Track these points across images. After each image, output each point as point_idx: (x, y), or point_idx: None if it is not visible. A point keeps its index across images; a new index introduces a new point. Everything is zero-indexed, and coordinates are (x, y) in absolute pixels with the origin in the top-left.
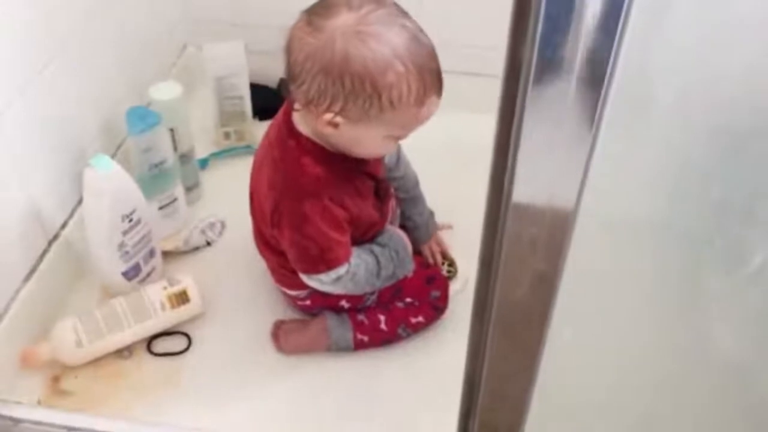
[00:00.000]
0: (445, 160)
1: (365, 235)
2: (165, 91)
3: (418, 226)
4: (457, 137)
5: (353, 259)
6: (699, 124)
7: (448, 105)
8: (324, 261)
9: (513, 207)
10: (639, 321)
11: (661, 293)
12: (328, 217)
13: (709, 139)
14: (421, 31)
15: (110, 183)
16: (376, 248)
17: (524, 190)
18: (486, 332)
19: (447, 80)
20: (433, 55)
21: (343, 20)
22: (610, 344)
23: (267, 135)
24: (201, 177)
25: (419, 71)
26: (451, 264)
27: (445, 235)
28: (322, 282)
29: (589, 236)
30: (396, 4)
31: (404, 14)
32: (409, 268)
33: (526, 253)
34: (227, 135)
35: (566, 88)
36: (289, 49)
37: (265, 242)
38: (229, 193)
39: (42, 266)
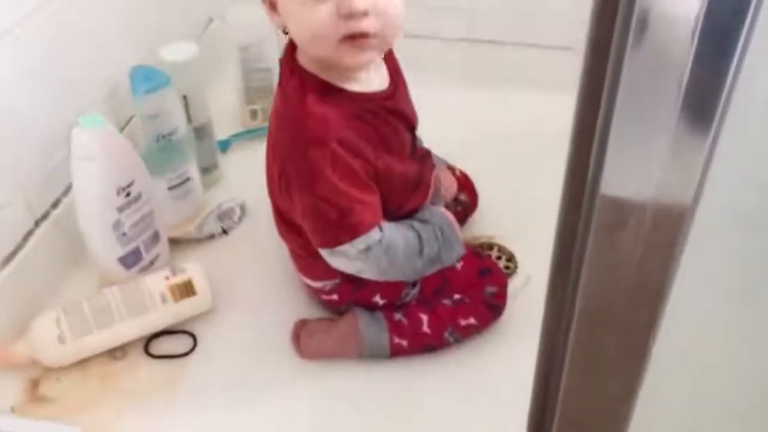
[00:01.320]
0: (506, 144)
1: (401, 207)
2: (178, 52)
3: None
4: (522, 118)
5: (387, 231)
6: None
7: (510, 81)
8: (346, 226)
9: (601, 198)
10: None
11: None
12: (342, 168)
13: None
14: None
15: (101, 146)
16: (416, 223)
17: (616, 180)
18: (560, 353)
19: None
20: None
21: None
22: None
23: (276, 90)
24: (221, 160)
25: None
26: (510, 258)
27: (502, 225)
28: (349, 257)
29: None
30: None
31: None
32: (458, 251)
33: (618, 257)
34: (254, 114)
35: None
36: None
37: (284, 221)
38: (251, 177)
39: (25, 249)
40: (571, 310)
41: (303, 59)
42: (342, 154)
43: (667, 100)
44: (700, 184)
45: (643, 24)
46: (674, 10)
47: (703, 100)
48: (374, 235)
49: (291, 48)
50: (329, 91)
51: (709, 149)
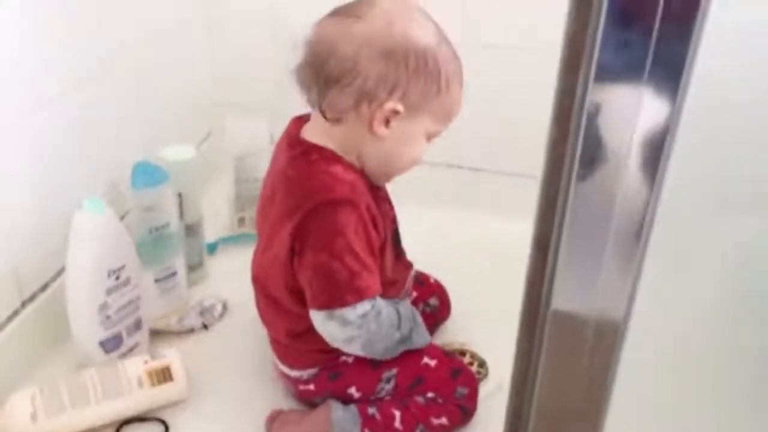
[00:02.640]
0: (478, 260)
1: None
2: (177, 152)
3: None
4: (492, 239)
5: (379, 301)
6: None
7: (485, 206)
8: (353, 289)
9: (552, 314)
10: None
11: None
12: (362, 232)
13: None
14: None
15: (100, 228)
16: (391, 302)
17: (565, 296)
18: None
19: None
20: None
21: (387, 4)
22: None
23: (270, 173)
24: (207, 261)
25: (454, 53)
26: (482, 365)
27: (474, 333)
28: (345, 322)
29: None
30: None
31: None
32: (425, 337)
33: (567, 364)
34: (242, 221)
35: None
36: (329, 49)
37: (273, 306)
38: (235, 279)
39: (9, 328)
40: (529, 416)
41: (317, 139)
42: (366, 219)
43: (604, 228)
44: (631, 301)
45: (588, 162)
46: (610, 148)
47: (631, 228)
48: (373, 302)
49: (295, 129)
50: (351, 166)
51: (636, 271)
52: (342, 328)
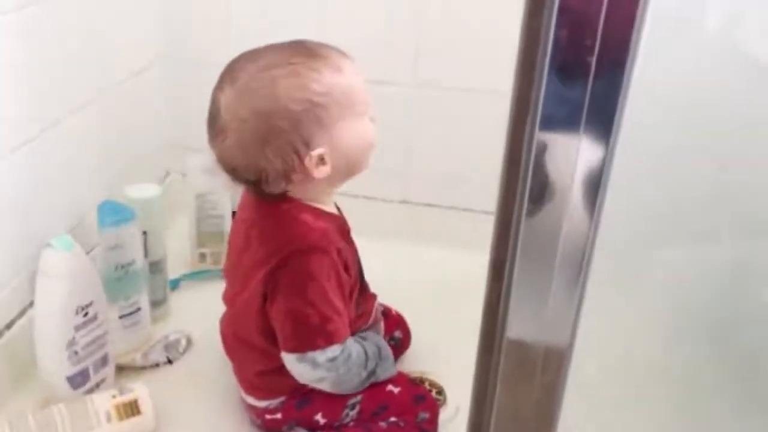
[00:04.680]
0: (435, 292)
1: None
2: (142, 190)
3: None
4: (449, 271)
5: (349, 342)
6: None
7: (441, 240)
8: (324, 333)
9: (507, 341)
10: None
11: None
12: (335, 279)
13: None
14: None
15: (69, 266)
16: (359, 339)
17: (518, 325)
18: None
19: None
20: (314, 43)
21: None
22: None
23: (239, 220)
24: (170, 297)
25: (311, 55)
26: (440, 392)
27: (432, 362)
28: (315, 364)
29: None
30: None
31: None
32: (391, 369)
33: (521, 389)
34: (203, 257)
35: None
36: (244, 148)
37: (243, 345)
38: (198, 314)
39: None
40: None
41: (285, 189)
42: (338, 265)
43: (549, 259)
44: (574, 328)
45: (535, 195)
46: (552, 187)
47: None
48: (342, 347)
49: (259, 184)
50: (319, 212)
51: (578, 300)
52: (313, 370)
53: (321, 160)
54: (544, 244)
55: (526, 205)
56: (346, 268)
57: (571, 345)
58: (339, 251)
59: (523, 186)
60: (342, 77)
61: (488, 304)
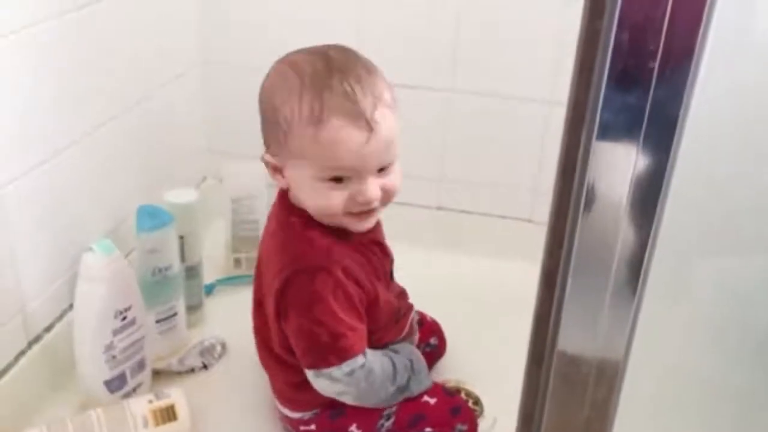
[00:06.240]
0: (470, 299)
1: (381, 339)
2: (180, 196)
3: None
4: (484, 278)
5: (369, 356)
6: None
7: (476, 247)
8: (335, 350)
9: (558, 354)
10: None
11: None
12: (342, 296)
13: None
14: (356, 63)
15: (109, 270)
16: (390, 352)
17: (570, 337)
18: None
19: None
20: (343, 77)
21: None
22: None
23: (265, 234)
24: (205, 302)
25: (317, 89)
26: (477, 402)
27: (468, 371)
28: (333, 379)
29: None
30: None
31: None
32: (425, 383)
33: (571, 406)
34: (238, 262)
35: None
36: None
37: (272, 356)
38: (233, 319)
39: (16, 368)
40: None
41: (298, 203)
42: (344, 281)
43: (605, 270)
44: (629, 342)
45: (590, 205)
46: (609, 196)
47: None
48: (359, 360)
49: (284, 192)
50: (326, 229)
51: (634, 313)
52: (332, 385)
53: (276, 169)
54: (599, 254)
55: (581, 213)
56: (358, 283)
57: (625, 359)
58: (345, 268)
59: (578, 194)
60: (321, 130)
61: (538, 314)
